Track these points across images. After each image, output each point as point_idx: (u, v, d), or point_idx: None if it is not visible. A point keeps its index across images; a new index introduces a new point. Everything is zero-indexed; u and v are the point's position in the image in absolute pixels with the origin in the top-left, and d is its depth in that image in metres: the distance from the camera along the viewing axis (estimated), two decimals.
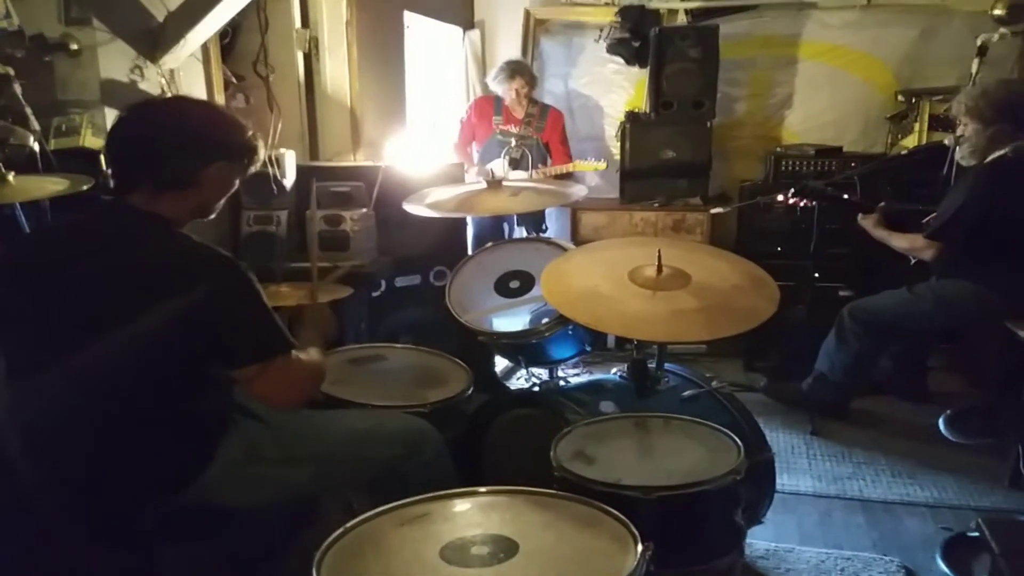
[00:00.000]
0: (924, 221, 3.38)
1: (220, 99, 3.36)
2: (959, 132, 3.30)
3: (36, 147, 2.46)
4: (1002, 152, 3.17)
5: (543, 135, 4.83)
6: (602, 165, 4.74)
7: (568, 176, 4.76)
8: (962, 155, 3.31)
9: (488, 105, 4.92)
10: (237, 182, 1.86)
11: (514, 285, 2.74)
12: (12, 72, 2.45)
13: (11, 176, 2.19)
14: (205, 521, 1.74)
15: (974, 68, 3.97)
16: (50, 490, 1.68)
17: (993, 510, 2.93)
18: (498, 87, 4.78)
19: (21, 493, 1.69)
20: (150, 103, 1.86)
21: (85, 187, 2.22)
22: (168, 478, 1.71)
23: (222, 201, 1.86)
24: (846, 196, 3.70)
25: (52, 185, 2.23)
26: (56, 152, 2.56)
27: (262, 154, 1.88)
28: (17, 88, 2.46)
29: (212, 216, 1.87)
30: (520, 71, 4.73)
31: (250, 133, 1.84)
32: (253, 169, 1.90)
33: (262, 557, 1.83)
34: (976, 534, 2.55)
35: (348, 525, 1.56)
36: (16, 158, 2.38)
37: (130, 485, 1.68)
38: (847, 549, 2.68)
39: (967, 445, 3.19)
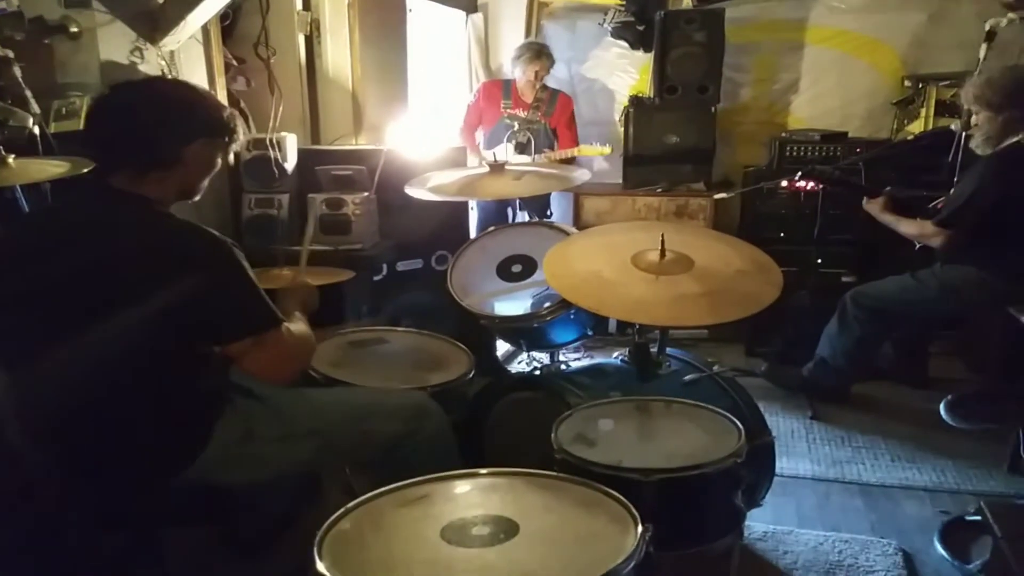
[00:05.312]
0: (931, 207, 3.36)
1: (220, 82, 3.35)
2: (972, 121, 3.27)
3: (36, 130, 2.45)
4: (1016, 139, 3.13)
5: (551, 120, 4.80)
6: (607, 150, 4.72)
7: (572, 161, 4.74)
8: (976, 143, 3.27)
9: (496, 89, 4.89)
10: (220, 161, 1.86)
11: (516, 269, 2.73)
12: (12, 55, 2.44)
13: (11, 159, 2.18)
14: (205, 502, 1.75)
15: (982, 53, 3.93)
16: (48, 474, 1.69)
17: (992, 494, 2.93)
18: (517, 68, 4.74)
19: (20, 478, 1.70)
20: (126, 85, 1.85)
21: (85, 170, 2.22)
22: (166, 459, 1.71)
23: (206, 181, 1.86)
24: (854, 181, 3.69)
25: (53, 168, 2.22)
26: (56, 135, 2.55)
27: (242, 132, 1.89)
28: (17, 71, 2.46)
29: (197, 197, 1.87)
30: (545, 53, 4.72)
31: (228, 111, 1.84)
32: (235, 147, 1.91)
33: (263, 536, 1.84)
34: (974, 518, 2.55)
35: (348, 506, 1.56)
36: (16, 141, 2.38)
37: (128, 467, 1.68)
38: (845, 532, 2.67)
39: (967, 430, 3.19)
